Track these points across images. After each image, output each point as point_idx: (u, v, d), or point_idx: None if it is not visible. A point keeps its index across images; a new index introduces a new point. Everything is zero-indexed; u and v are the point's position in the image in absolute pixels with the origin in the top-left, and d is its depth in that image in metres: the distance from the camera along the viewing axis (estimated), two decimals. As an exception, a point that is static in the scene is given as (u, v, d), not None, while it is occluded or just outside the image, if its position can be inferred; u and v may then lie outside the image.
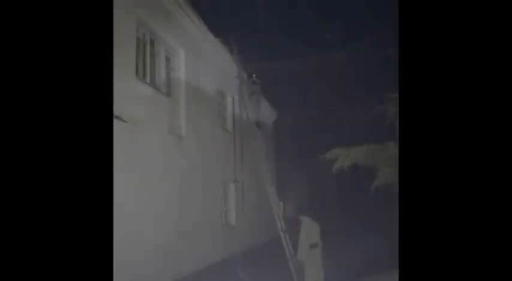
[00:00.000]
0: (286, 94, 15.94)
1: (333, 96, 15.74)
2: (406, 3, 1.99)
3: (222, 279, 6.79)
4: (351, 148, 5.53)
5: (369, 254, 8.20)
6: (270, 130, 13.82)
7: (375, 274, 6.88)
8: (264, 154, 7.56)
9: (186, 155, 6.39)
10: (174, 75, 6.56)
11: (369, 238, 10.16)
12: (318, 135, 15.11)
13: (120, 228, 3.55)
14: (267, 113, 12.43)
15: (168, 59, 6.43)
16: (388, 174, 5.11)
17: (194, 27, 7.06)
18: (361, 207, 13.52)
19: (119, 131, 4.29)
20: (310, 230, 5.22)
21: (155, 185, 5.33)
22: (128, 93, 4.78)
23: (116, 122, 4.27)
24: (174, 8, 6.27)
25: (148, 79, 5.65)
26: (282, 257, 6.25)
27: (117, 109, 4.25)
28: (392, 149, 5.11)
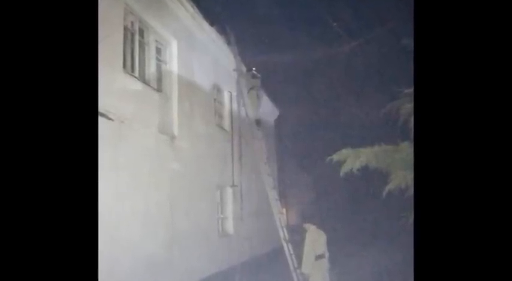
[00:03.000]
0: (289, 89, 15.95)
1: (341, 91, 15.75)
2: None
3: (218, 293, 6.79)
4: (360, 149, 5.51)
5: (380, 266, 8.21)
6: (272, 129, 13.82)
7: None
8: (265, 155, 7.55)
9: (179, 156, 6.39)
10: (166, 69, 6.56)
11: (381, 248, 10.18)
12: (324, 135, 15.13)
13: (105, 236, 3.55)
14: (268, 110, 12.43)
15: (158, 51, 6.43)
16: (402, 177, 5.10)
17: (188, 15, 7.06)
18: (372, 214, 13.53)
19: (105, 130, 4.29)
20: (315, 239, 5.21)
21: (145, 189, 5.33)
22: (115, 89, 4.78)
23: (101, 120, 4.27)
24: (165, -7, 6.27)
25: (137, 73, 5.65)
26: (284, 269, 6.25)
27: (102, 106, 4.25)
28: (407, 149, 5.10)
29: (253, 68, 8.13)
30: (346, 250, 8.70)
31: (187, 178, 6.67)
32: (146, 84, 5.82)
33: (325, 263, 5.22)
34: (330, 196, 15.19)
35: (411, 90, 4.88)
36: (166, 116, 6.30)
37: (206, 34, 7.95)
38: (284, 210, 9.23)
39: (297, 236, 6.17)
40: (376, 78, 14.30)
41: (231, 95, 9.11)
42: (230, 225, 8.64)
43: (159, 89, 6.22)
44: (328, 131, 15.17)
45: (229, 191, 8.67)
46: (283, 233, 6.57)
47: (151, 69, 6.10)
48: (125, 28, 5.34)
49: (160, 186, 5.78)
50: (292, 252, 6.28)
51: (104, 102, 4.24)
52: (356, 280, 7.25)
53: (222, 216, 8.41)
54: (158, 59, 6.38)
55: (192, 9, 7.06)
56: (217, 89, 8.85)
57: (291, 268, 6.13)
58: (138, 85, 5.53)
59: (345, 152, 5.50)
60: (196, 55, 7.52)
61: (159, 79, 6.36)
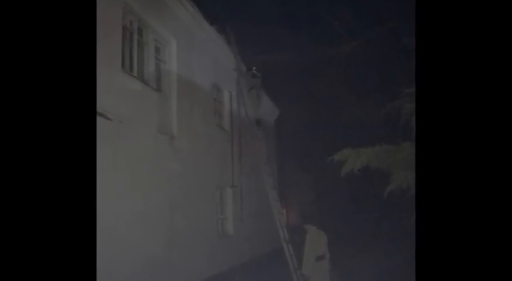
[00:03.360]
0: (289, 89, 15.92)
1: (341, 91, 15.72)
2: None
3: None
4: (361, 149, 5.51)
5: (381, 267, 8.20)
6: (272, 129, 13.82)
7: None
8: (265, 155, 7.55)
9: (178, 156, 6.38)
10: (165, 68, 6.56)
11: (382, 248, 10.17)
12: (324, 135, 15.10)
13: (104, 236, 3.55)
14: (268, 109, 12.43)
15: (158, 50, 6.42)
16: (403, 177, 5.09)
17: (187, 14, 7.06)
18: (373, 214, 13.52)
19: (103, 129, 4.28)
20: (316, 240, 5.21)
21: (144, 189, 5.32)
22: (113, 88, 4.78)
23: (99, 119, 4.26)
24: (164, -8, 6.27)
25: (135, 72, 5.65)
26: (285, 270, 6.24)
27: (100, 106, 4.24)
28: (408, 149, 5.10)
29: (253, 68, 8.13)
30: (347, 250, 8.69)
31: (187, 178, 6.67)
32: (145, 83, 5.81)
33: (325, 264, 5.21)
34: (330, 197, 15.16)
35: (412, 90, 4.88)
36: (165, 116, 6.30)
37: (206, 33, 7.95)
38: (284, 210, 9.23)
39: (297, 236, 6.16)
40: (376, 78, 14.26)
41: (231, 94, 9.11)
42: (230, 225, 8.64)
43: (158, 89, 6.21)
44: (329, 131, 15.15)
45: (229, 191, 8.66)
46: (283, 234, 6.57)
47: (150, 68, 6.09)
48: (124, 27, 5.34)
49: (159, 186, 5.78)
50: (292, 253, 6.28)
51: (102, 102, 4.23)
52: (357, 281, 7.25)
53: (221, 216, 8.41)
54: (157, 59, 6.37)
55: (191, 9, 7.06)
56: (217, 89, 8.85)
57: (291, 269, 6.12)
58: (137, 85, 5.53)
59: (345, 152, 5.49)
60: (196, 54, 7.52)
61: (158, 79, 6.36)
